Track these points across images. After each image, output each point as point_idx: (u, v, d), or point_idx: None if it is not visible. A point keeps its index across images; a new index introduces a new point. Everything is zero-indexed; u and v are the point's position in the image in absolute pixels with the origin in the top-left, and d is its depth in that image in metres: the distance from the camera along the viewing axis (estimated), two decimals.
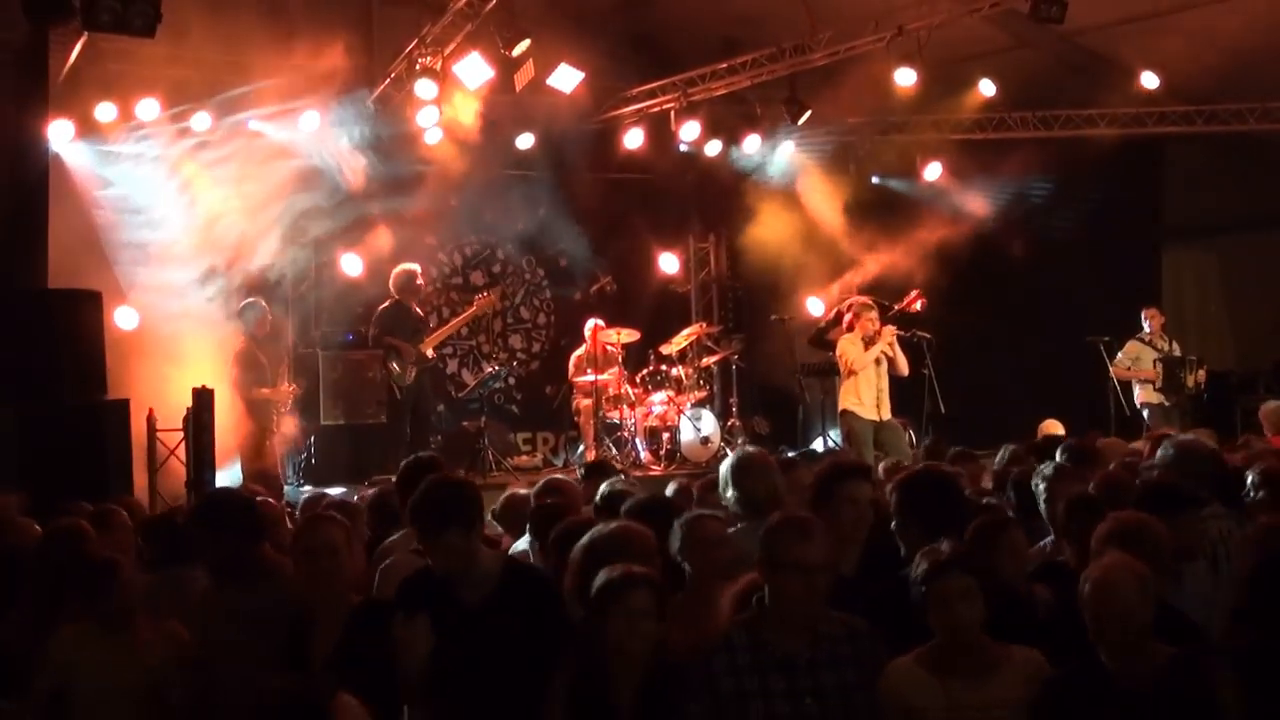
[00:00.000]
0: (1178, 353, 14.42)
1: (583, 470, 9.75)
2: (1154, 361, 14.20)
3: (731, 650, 4.34)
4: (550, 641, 4.59)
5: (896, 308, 13.60)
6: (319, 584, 4.91)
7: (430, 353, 13.52)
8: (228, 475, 11.96)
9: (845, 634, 4.42)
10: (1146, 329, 14.42)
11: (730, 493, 6.22)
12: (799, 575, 4.35)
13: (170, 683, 5.20)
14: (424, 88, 13.04)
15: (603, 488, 6.77)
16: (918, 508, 5.20)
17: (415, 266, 13.70)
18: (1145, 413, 14.18)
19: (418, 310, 13.62)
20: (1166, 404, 14.10)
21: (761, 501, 6.03)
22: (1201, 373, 14.26)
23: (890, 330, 12.96)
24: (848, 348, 12.93)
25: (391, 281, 13.51)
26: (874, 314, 13.02)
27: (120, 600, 5.28)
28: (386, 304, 13.45)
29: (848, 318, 13.10)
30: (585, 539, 4.96)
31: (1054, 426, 12.71)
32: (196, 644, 5.30)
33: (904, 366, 12.93)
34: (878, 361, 12.79)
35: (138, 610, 5.32)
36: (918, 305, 13.64)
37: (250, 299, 12.79)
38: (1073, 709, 4.16)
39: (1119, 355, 14.20)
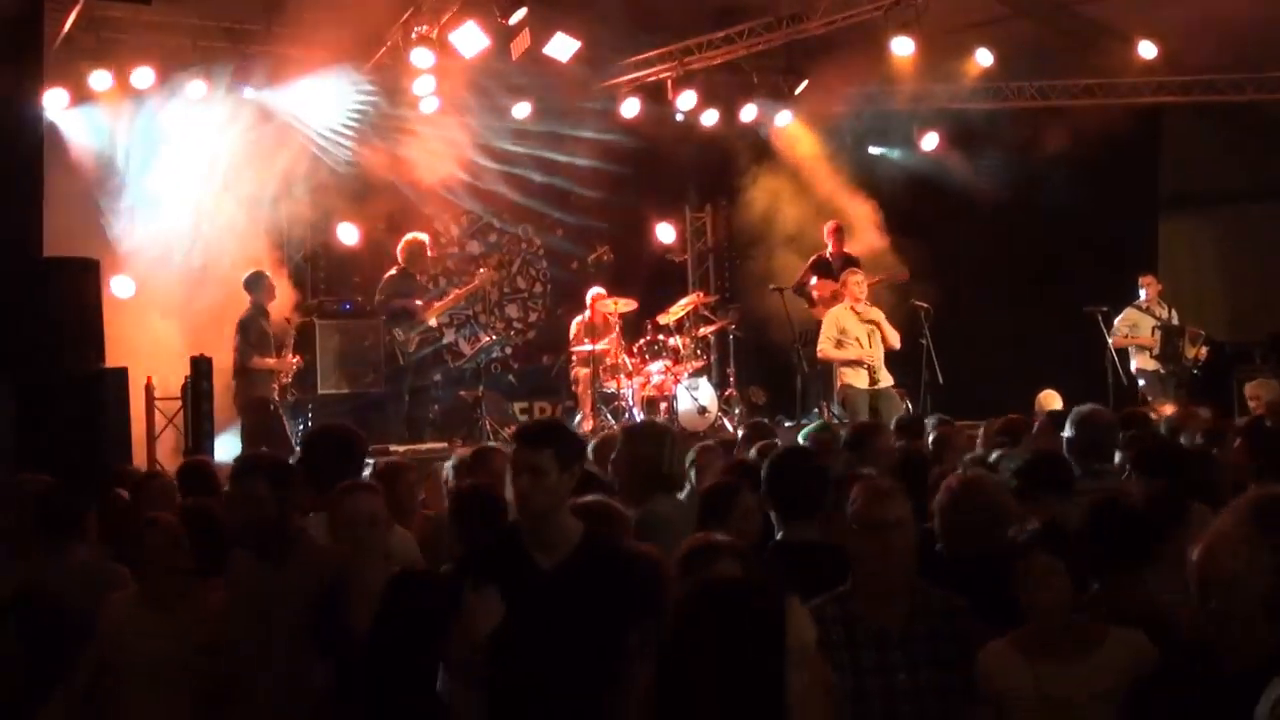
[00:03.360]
0: (1176, 321, 14.38)
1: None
2: (1153, 329, 14.16)
3: (823, 624, 4.02)
4: (628, 615, 4.13)
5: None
6: (358, 554, 4.76)
7: (432, 322, 13.58)
8: (227, 444, 11.96)
9: (942, 609, 4.34)
10: (1143, 296, 14.38)
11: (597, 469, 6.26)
12: (873, 534, 4.27)
13: (204, 662, 5.02)
14: (420, 56, 13.01)
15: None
16: (781, 483, 5.24)
17: (425, 236, 13.80)
18: (1140, 380, 14.16)
19: (422, 280, 13.65)
20: (1163, 372, 14.06)
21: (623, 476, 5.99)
22: (1204, 349, 14.21)
23: (878, 311, 13.06)
24: (827, 326, 12.96)
25: (400, 250, 13.54)
26: (859, 277, 13.08)
27: (174, 568, 5.10)
28: (393, 271, 13.51)
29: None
30: None
31: (1051, 397, 12.73)
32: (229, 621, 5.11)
33: (896, 340, 13.01)
34: (870, 334, 12.88)
35: (189, 584, 5.14)
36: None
37: (255, 269, 12.76)
38: (1167, 696, 3.80)
39: (1116, 323, 14.13)
